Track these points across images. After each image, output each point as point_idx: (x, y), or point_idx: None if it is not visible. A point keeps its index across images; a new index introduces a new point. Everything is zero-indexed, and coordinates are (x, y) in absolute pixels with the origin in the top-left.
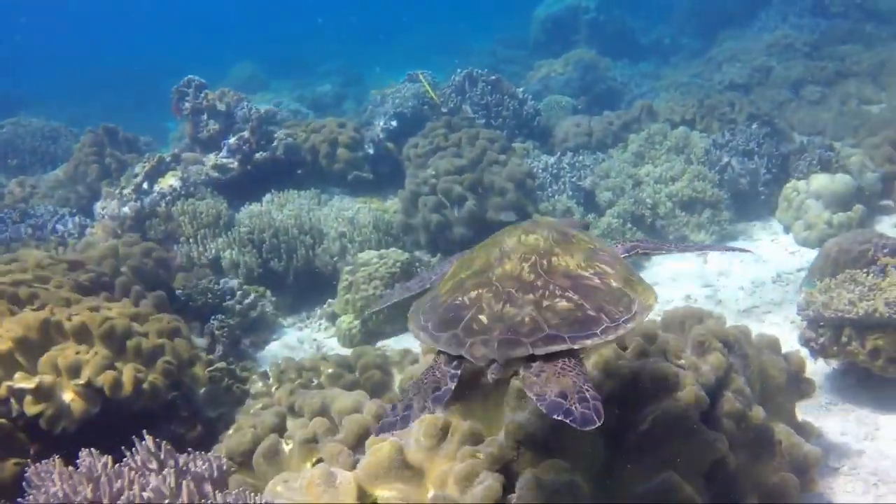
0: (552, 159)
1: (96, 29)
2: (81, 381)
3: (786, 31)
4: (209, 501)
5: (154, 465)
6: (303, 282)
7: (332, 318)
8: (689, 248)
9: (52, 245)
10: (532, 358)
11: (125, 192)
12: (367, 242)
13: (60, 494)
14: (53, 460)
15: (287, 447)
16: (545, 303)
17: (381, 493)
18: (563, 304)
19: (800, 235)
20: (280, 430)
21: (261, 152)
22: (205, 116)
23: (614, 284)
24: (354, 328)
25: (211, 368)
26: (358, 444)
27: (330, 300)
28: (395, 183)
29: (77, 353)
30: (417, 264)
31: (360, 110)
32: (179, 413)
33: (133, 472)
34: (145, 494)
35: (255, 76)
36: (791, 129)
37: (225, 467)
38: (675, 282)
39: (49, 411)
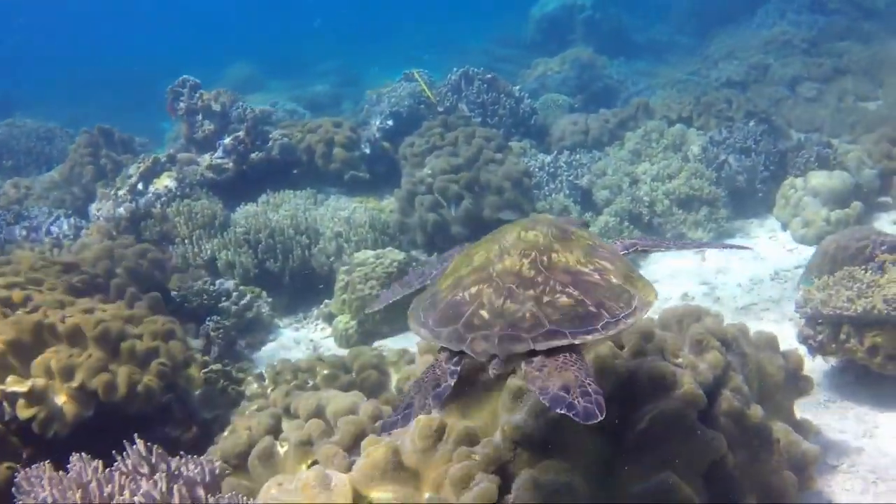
0: (549, 158)
1: (96, 29)
2: (75, 384)
3: (783, 27)
4: None
5: (145, 470)
6: (299, 282)
7: (329, 318)
8: (687, 245)
9: (46, 247)
10: (533, 353)
11: (120, 193)
12: (364, 242)
13: (50, 500)
14: (43, 465)
15: (282, 449)
16: (546, 298)
17: (376, 495)
18: (563, 299)
19: (798, 232)
20: (275, 431)
21: (256, 152)
22: (200, 117)
23: (614, 280)
24: (351, 328)
25: (206, 370)
26: (353, 446)
27: (326, 300)
28: (391, 182)
29: (70, 355)
30: (414, 264)
31: (357, 110)
32: (174, 415)
33: (124, 477)
34: (136, 499)
35: (252, 76)
36: (788, 126)
37: (218, 471)
38: (673, 279)
39: (42, 415)
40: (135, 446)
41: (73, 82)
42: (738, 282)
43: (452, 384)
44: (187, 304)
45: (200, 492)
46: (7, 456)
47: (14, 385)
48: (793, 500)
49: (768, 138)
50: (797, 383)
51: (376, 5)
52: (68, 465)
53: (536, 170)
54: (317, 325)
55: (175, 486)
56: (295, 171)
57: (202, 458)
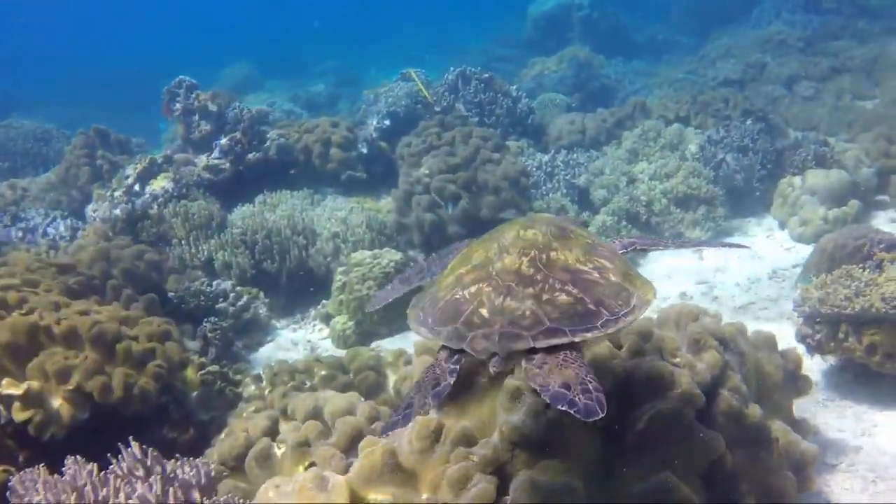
0: (546, 157)
1: (96, 29)
2: (70, 387)
3: (779, 27)
4: None
5: (140, 473)
6: (296, 283)
7: (326, 319)
8: (685, 244)
9: (43, 248)
10: (533, 351)
11: (116, 194)
12: (361, 242)
13: (44, 503)
14: (38, 468)
15: (279, 451)
16: (545, 296)
17: (373, 496)
18: (563, 297)
19: (795, 231)
20: (273, 433)
21: (253, 153)
22: (196, 117)
23: (613, 279)
24: (349, 329)
25: (203, 371)
26: (351, 447)
27: (324, 301)
28: (388, 182)
29: (66, 357)
30: (411, 264)
31: (354, 110)
32: (171, 417)
33: (119, 480)
34: (131, 502)
35: (250, 76)
36: (786, 124)
37: (213, 473)
38: (671, 278)
39: (37, 417)
40: (130, 449)
41: (73, 82)
42: (736, 281)
43: (452, 383)
44: (184, 305)
45: (196, 494)
46: (3, 459)
47: (9, 388)
48: (792, 499)
49: (766, 137)
50: (795, 382)
51: (376, 5)
52: (63, 468)
53: (534, 169)
54: (314, 325)
55: (170, 489)
56: (292, 172)
57: (198, 460)
